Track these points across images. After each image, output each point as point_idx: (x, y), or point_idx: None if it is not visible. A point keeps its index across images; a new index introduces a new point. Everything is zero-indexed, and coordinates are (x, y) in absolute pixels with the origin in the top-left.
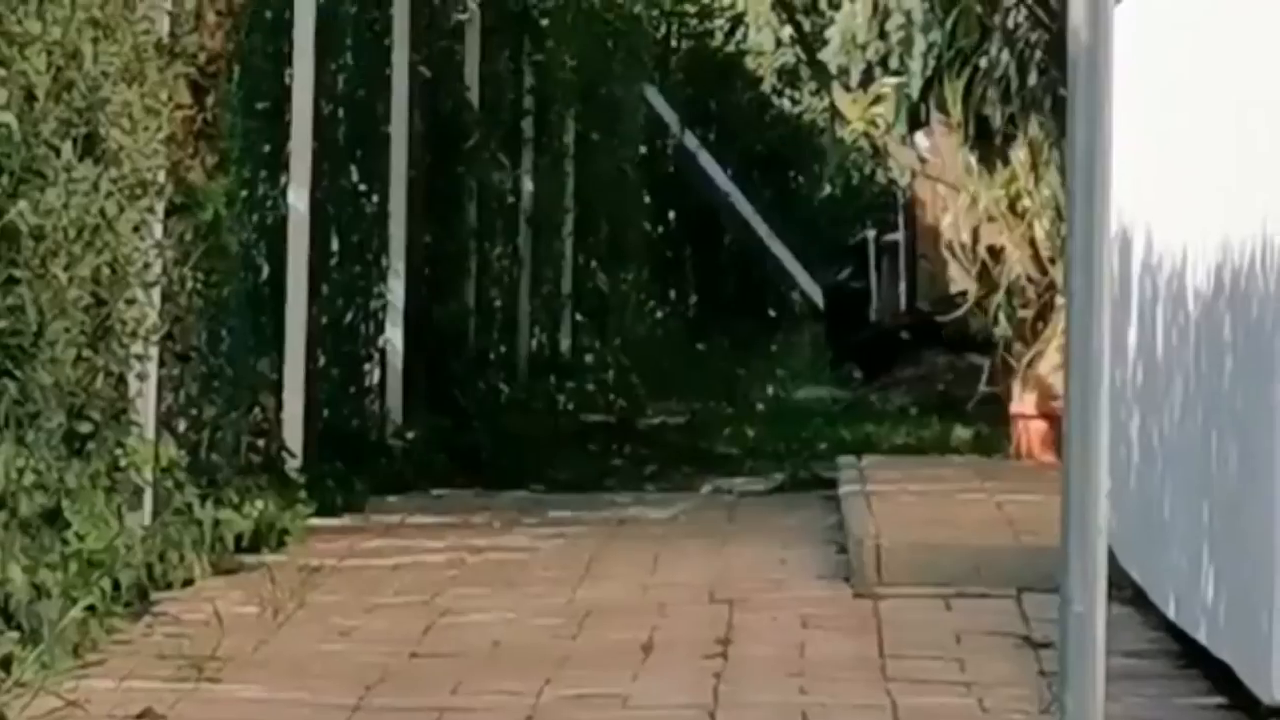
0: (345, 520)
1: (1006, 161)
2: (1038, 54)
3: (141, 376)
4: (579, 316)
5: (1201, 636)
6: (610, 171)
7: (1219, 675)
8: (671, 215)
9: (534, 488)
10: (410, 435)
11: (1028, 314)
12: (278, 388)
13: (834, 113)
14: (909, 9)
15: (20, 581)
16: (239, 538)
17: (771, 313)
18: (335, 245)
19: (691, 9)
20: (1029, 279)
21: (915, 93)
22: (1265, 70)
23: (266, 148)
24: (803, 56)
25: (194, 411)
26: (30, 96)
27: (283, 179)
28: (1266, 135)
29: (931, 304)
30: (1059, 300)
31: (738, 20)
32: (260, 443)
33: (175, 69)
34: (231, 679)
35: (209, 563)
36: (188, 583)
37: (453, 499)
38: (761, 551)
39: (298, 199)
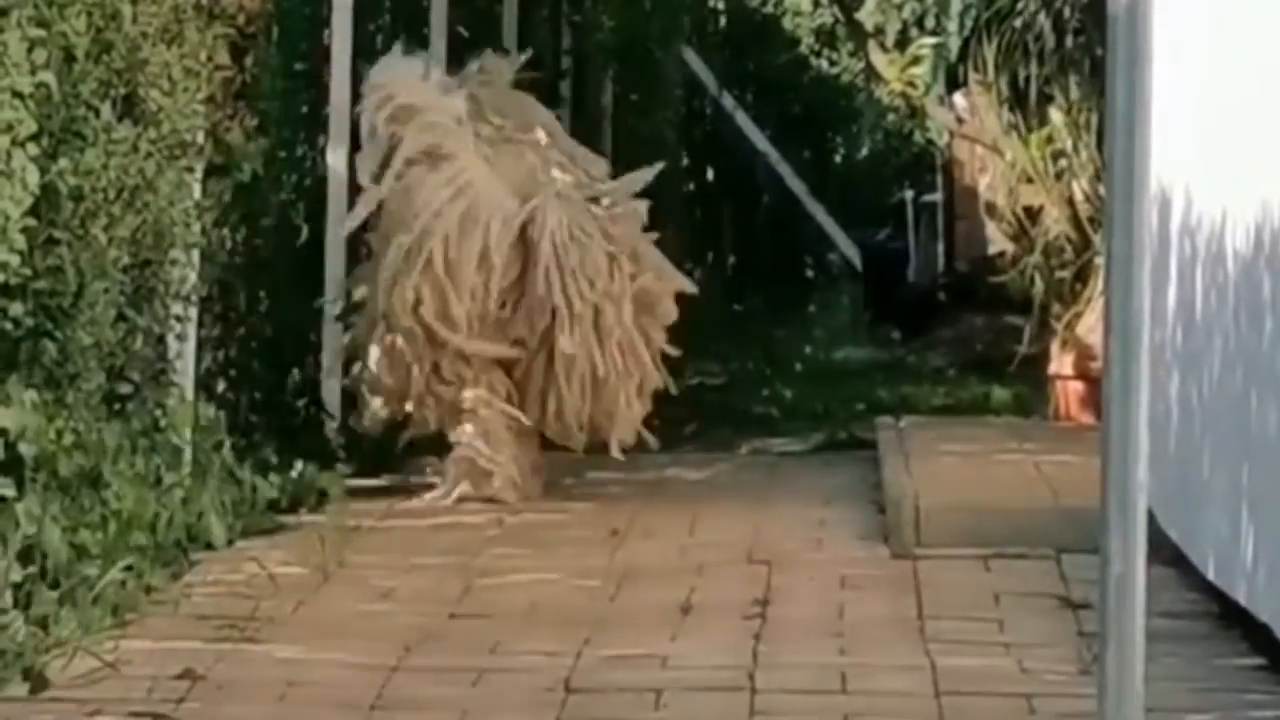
0: (384, 481)
1: (1044, 122)
2: (1075, 14)
3: (181, 337)
4: None
5: (1241, 597)
6: (648, 133)
7: (1259, 636)
8: (709, 176)
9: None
10: None
11: (1066, 274)
12: (316, 348)
13: (871, 73)
14: None
15: (59, 542)
16: (278, 498)
17: (809, 273)
18: None
19: None
20: (1067, 239)
21: (953, 53)
22: None
23: (305, 108)
24: (840, 17)
25: (233, 372)
26: (70, 57)
27: (321, 140)
28: None
29: (969, 265)
30: (1098, 261)
31: None
32: (299, 403)
33: (214, 30)
34: (271, 639)
35: (248, 523)
36: (227, 543)
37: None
38: (800, 512)
39: (336, 160)
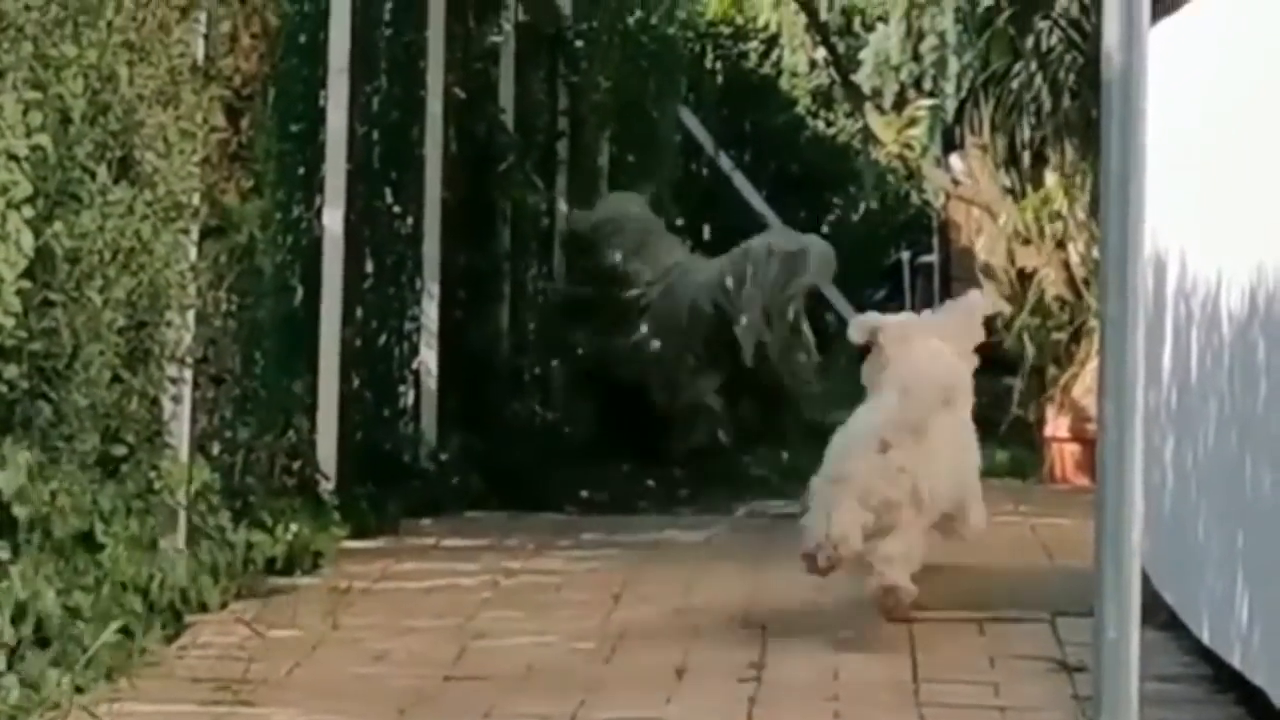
0: (379, 542)
1: (1040, 184)
2: (1071, 76)
3: (176, 399)
4: None
5: (1235, 660)
6: (645, 193)
7: (1253, 700)
8: (706, 237)
9: (568, 510)
10: (444, 457)
11: (1062, 336)
12: (312, 410)
13: (868, 134)
14: (943, 30)
15: (53, 604)
16: (272, 560)
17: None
18: (369, 267)
19: (726, 31)
20: (1063, 301)
21: (949, 115)
22: None
23: (301, 170)
24: (837, 78)
25: (228, 434)
26: (66, 119)
27: (317, 201)
28: None
29: None
30: (1093, 322)
31: (772, 42)
32: (294, 465)
33: (210, 92)
34: (265, 702)
35: (242, 585)
36: (221, 605)
37: (486, 521)
38: (795, 574)
39: (332, 221)
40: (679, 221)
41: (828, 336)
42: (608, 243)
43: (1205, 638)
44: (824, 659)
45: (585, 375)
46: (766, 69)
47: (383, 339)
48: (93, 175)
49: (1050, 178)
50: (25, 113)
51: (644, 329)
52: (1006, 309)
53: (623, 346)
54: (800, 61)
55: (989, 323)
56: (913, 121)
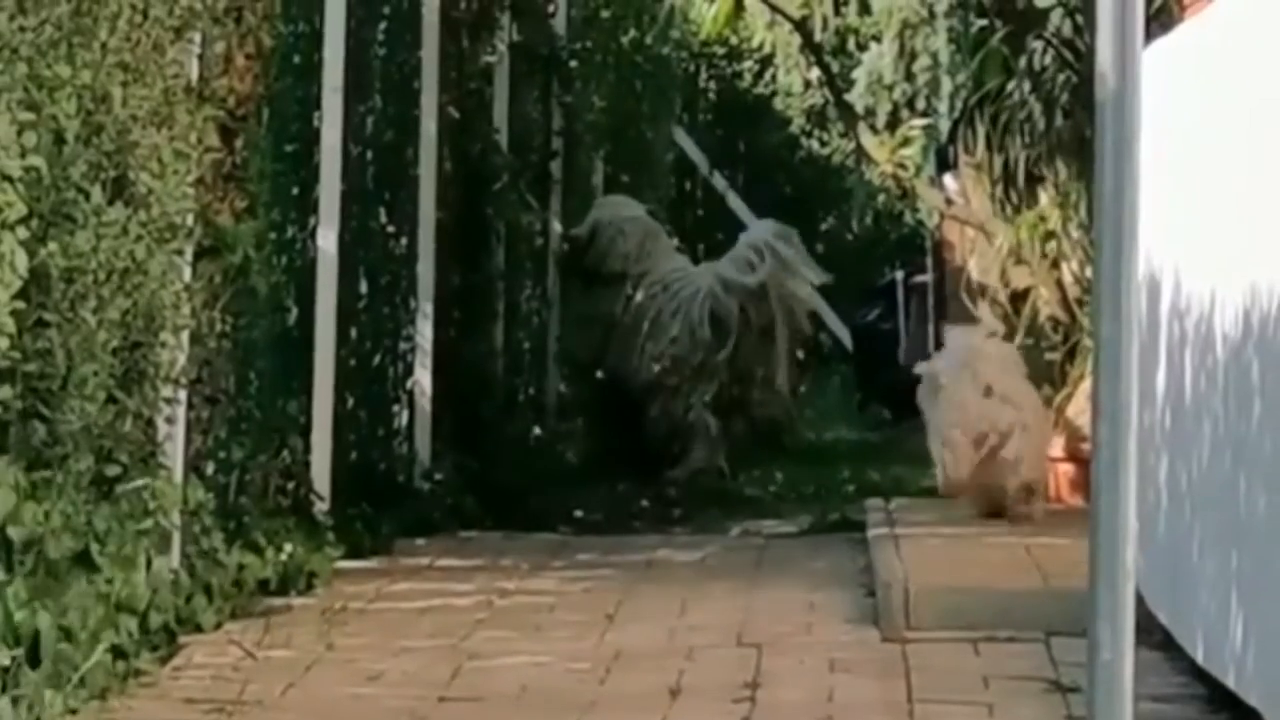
0: (373, 563)
1: (1034, 203)
2: (1064, 96)
3: (170, 419)
4: None
5: (1230, 681)
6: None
7: None
8: (701, 256)
9: (562, 530)
10: (438, 477)
11: (1056, 356)
12: (306, 430)
13: (861, 154)
14: (936, 50)
15: (47, 624)
16: (266, 580)
17: (800, 354)
18: (364, 287)
19: (720, 51)
20: (1057, 321)
21: (943, 134)
22: None
23: (295, 190)
24: (830, 98)
25: (222, 454)
26: (60, 140)
27: (311, 221)
28: None
29: None
30: (1087, 342)
31: (766, 62)
32: (288, 485)
33: (204, 112)
34: None
35: (236, 606)
36: (216, 626)
37: (480, 541)
38: (790, 594)
39: (326, 241)
40: (675, 243)
41: (821, 355)
42: (611, 245)
43: (1200, 658)
44: (818, 679)
45: (580, 372)
46: (760, 89)
47: (377, 359)
48: (87, 196)
49: (1044, 197)
50: (20, 133)
51: (645, 334)
52: (1001, 329)
53: (627, 349)
54: (794, 81)
55: None
56: (906, 141)
